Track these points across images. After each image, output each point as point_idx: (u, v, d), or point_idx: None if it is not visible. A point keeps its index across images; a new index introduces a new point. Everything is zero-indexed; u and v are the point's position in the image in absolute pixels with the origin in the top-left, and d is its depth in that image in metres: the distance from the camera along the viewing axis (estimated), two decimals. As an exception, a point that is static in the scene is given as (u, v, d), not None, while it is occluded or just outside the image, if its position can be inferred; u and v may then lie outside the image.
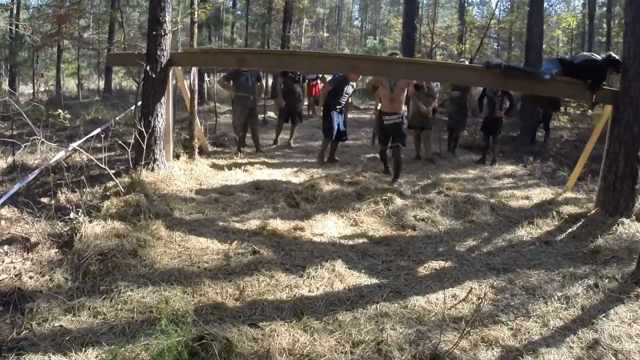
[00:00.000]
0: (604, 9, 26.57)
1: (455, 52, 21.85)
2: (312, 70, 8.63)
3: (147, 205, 5.52)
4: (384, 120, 7.87)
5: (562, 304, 4.29)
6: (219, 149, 9.43)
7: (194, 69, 7.68)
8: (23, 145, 5.78)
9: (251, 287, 4.23)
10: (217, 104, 12.47)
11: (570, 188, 7.78)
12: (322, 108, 9.02)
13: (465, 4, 30.27)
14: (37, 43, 16.43)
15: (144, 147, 6.45)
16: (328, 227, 5.87)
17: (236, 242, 5.13)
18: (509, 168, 9.76)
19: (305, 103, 12.70)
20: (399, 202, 6.66)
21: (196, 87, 7.75)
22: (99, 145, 8.45)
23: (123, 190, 5.84)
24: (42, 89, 21.16)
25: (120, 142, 6.81)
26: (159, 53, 6.77)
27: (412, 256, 5.21)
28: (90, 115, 12.44)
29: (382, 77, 7.28)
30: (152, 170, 6.75)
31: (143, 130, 6.41)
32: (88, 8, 18.34)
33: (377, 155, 9.48)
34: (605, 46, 22.00)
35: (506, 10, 29.41)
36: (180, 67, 7.54)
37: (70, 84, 23.64)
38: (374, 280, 4.57)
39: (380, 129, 8.16)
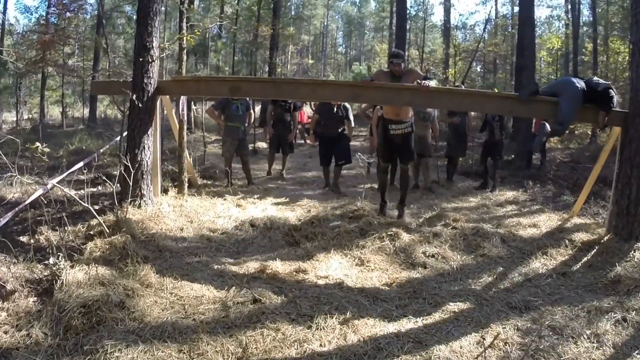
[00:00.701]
0: (585, 28, 26.86)
1: (442, 76, 21.76)
2: (313, 99, 8.27)
3: (134, 247, 5.03)
4: (389, 130, 6.77)
5: (593, 342, 3.93)
6: (209, 182, 8.97)
7: (183, 98, 7.25)
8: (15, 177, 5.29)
9: (255, 343, 3.74)
10: (205, 133, 12.03)
11: (577, 213, 7.55)
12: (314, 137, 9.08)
13: (450, 28, 30.41)
14: (21, 70, 15.98)
15: (130, 183, 5.97)
16: (333, 267, 5.41)
17: (234, 288, 4.65)
18: (509, 194, 9.49)
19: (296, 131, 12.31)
20: (405, 237, 6.22)
21: (185, 118, 7.31)
22: (82, 177, 8.00)
23: (107, 231, 5.34)
24: (25, 116, 20.59)
25: (104, 177, 6.29)
26: (145, 81, 6.34)
27: (427, 298, 4.76)
28: (73, 145, 11.90)
29: (384, 75, 6.54)
30: (139, 207, 6.27)
31: (129, 164, 5.93)
32: (73, 35, 17.90)
33: (375, 186, 9.11)
34: (592, 65, 22.03)
35: (489, 33, 29.53)
36: (168, 96, 7.11)
37: (54, 112, 23.09)
38: (391, 329, 4.10)
39: (384, 141, 6.99)
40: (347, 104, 8.97)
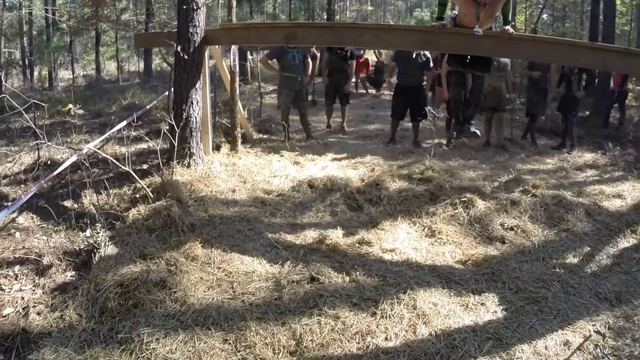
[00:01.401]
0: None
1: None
2: (377, 46, 7.44)
3: (179, 214, 4.56)
4: None
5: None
6: (265, 136, 8.43)
7: (234, 48, 6.62)
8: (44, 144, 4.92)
9: (311, 334, 3.23)
10: (262, 84, 11.39)
11: None
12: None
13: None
14: (74, 28, 15.78)
15: (177, 141, 5.48)
16: (400, 239, 4.80)
17: (289, 262, 4.14)
18: (588, 156, 8.53)
19: (353, 81, 11.41)
20: (480, 204, 5.48)
21: (237, 69, 6.69)
22: (134, 133, 7.66)
23: (152, 196, 4.89)
24: (82, 73, 20.66)
25: (145, 136, 5.85)
26: (191, 30, 5.75)
27: (507, 282, 4.09)
28: (126, 100, 11.60)
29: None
30: (188, 166, 5.81)
31: (174, 122, 5.42)
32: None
33: (443, 141, 8.36)
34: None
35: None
36: (217, 47, 6.51)
37: (111, 67, 23.10)
38: (467, 321, 3.50)
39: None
40: (427, 52, 8.12)
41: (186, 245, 4.20)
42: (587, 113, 11.87)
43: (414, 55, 7.99)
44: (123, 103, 11.30)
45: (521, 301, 3.80)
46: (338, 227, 4.88)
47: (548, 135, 9.95)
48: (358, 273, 4.04)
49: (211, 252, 4.22)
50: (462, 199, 5.52)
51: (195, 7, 5.68)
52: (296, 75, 8.04)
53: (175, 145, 5.42)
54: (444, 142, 8.61)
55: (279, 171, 6.31)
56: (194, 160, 5.90)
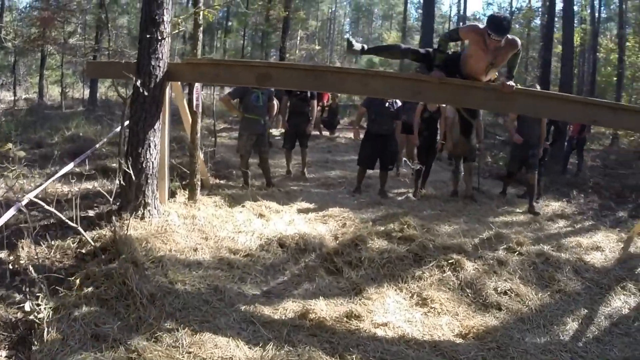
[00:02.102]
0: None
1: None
2: (361, 93, 6.97)
3: (137, 281, 3.79)
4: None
5: None
6: (222, 182, 7.72)
7: (198, 85, 5.98)
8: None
9: None
10: (215, 120, 10.61)
11: (638, 232, 6.50)
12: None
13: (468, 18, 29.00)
14: (19, 47, 14.69)
15: (132, 189, 4.74)
16: (390, 310, 4.25)
17: (272, 344, 3.47)
18: (555, 205, 8.50)
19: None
20: (468, 266, 5.08)
21: (200, 109, 6.03)
22: (78, 170, 6.81)
23: (102, 256, 4.11)
24: (23, 96, 19.25)
25: (95, 177, 5.06)
26: (153, 63, 5.08)
27: (515, 357, 3.71)
28: (70, 131, 10.54)
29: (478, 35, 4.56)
30: (142, 218, 5.05)
31: (129, 169, 4.68)
32: (74, 11, 16.44)
33: (411, 194, 7.98)
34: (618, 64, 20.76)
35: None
36: (179, 83, 5.84)
37: (54, 92, 21.63)
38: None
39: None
40: (398, 101, 7.75)
41: (148, 323, 3.45)
42: (545, 159, 11.93)
43: (387, 103, 7.62)
44: (66, 133, 10.24)
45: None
46: (320, 297, 4.28)
47: (512, 184, 9.81)
48: (354, 356, 3.45)
49: (178, 331, 3.48)
50: (448, 261, 5.11)
51: (159, 38, 5.03)
52: (259, 118, 7.45)
53: (132, 192, 4.67)
54: (411, 192, 8.22)
55: (244, 226, 5.62)
56: (149, 211, 5.14)
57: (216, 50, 16.24)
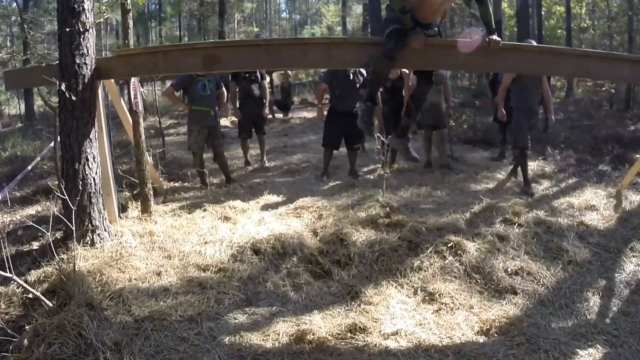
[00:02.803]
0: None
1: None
2: (327, 66, 6.21)
3: (95, 330, 3.10)
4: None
5: None
6: (177, 185, 6.95)
7: (135, 80, 5.19)
8: None
9: None
10: (158, 118, 9.69)
11: (626, 186, 6.49)
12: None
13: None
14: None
15: (73, 212, 3.98)
16: (397, 314, 3.73)
17: (271, 384, 2.85)
18: (532, 164, 8.07)
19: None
20: (470, 247, 4.63)
21: (140, 107, 5.23)
22: (17, 194, 5.98)
23: (50, 304, 3.36)
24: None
25: (35, 199, 4.28)
26: (78, 61, 4.27)
27: (549, 350, 3.32)
28: (7, 152, 9.46)
29: None
30: (92, 244, 4.30)
31: (64, 187, 3.94)
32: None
33: (382, 170, 7.41)
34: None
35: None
36: (112, 80, 5.04)
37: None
38: None
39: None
40: (363, 70, 7.06)
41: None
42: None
43: (351, 75, 6.97)
44: (3, 155, 9.19)
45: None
46: (313, 310, 3.72)
47: (481, 146, 9.62)
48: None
49: (152, 387, 2.82)
50: (447, 244, 4.65)
51: (81, 30, 4.22)
52: (208, 108, 6.68)
53: (70, 218, 3.90)
54: (380, 167, 7.68)
55: (209, 234, 4.90)
56: (99, 235, 4.39)
57: (151, 43, 15.11)
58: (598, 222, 5.46)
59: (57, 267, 3.71)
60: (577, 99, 16.03)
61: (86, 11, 4.33)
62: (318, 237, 4.86)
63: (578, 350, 3.37)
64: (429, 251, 4.52)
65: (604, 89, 13.76)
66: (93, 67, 4.40)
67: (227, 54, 4.37)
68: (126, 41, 4.94)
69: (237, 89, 7.84)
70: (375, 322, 3.56)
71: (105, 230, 4.48)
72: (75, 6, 4.26)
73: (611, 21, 17.48)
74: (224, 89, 7.19)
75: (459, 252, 4.53)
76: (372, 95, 4.36)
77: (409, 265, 4.35)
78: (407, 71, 7.29)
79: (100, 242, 4.37)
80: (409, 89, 7.65)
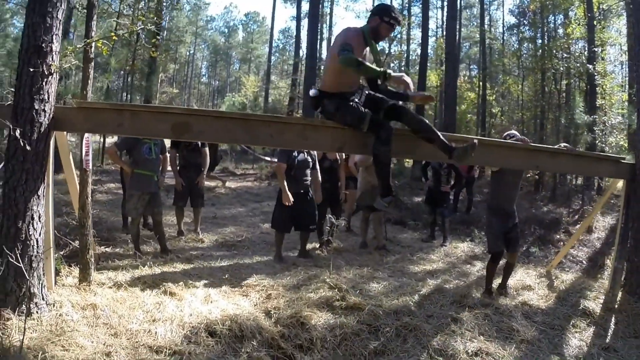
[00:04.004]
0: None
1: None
2: (302, 147, 6.00)
3: None
4: None
5: None
6: (108, 250, 6.40)
7: (88, 136, 4.80)
8: None
9: None
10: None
11: (555, 266, 7.15)
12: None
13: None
14: None
15: (11, 279, 3.49)
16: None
17: None
18: (462, 246, 8.59)
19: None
20: (427, 330, 4.63)
21: (90, 165, 4.82)
22: None
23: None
24: None
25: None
26: (37, 107, 3.89)
27: None
28: None
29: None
30: (29, 314, 3.74)
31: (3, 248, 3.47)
32: None
33: (319, 250, 7.32)
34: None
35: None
36: (65, 133, 4.63)
37: None
38: None
39: None
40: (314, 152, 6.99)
41: None
42: (450, 202, 12.13)
43: (305, 154, 6.82)
44: None
45: None
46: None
47: (410, 227, 9.95)
48: None
49: None
50: (406, 328, 4.60)
51: (45, 72, 3.87)
52: (152, 173, 6.32)
53: (7, 283, 3.42)
54: (317, 246, 7.58)
55: (157, 311, 4.47)
56: (36, 304, 3.85)
57: (95, 90, 14.36)
58: (538, 302, 5.72)
59: (-6, 343, 3.16)
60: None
61: (53, 53, 4.00)
62: (273, 319, 4.60)
63: None
64: (389, 335, 4.43)
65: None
66: (51, 116, 4.02)
67: (199, 124, 4.17)
68: (85, 92, 4.59)
69: (178, 156, 7.51)
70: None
71: (43, 299, 3.95)
72: (43, 45, 3.91)
73: (523, 109, 18.85)
74: (167, 153, 6.87)
75: (418, 335, 4.50)
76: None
77: (372, 350, 4.20)
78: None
79: (37, 312, 3.84)
80: (345, 170, 7.84)
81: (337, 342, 4.25)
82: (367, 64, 3.98)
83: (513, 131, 6.21)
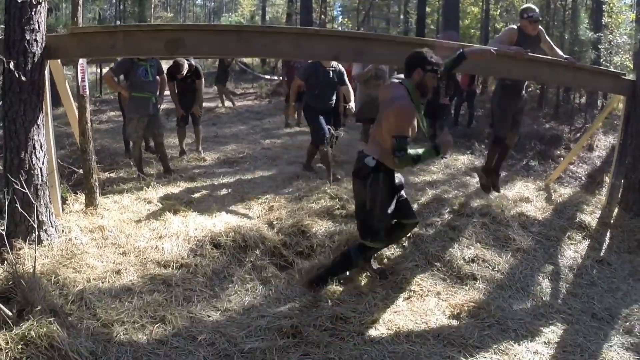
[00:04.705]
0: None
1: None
2: (297, 57, 5.97)
3: (68, 341, 2.83)
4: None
5: None
6: (112, 175, 6.55)
7: (82, 62, 4.78)
8: None
9: None
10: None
11: (553, 181, 7.21)
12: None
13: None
14: None
15: (18, 206, 3.64)
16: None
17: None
18: (462, 158, 8.46)
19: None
20: (426, 237, 4.80)
21: (87, 91, 4.85)
22: None
23: (9, 314, 3.00)
24: None
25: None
26: (28, 37, 3.88)
27: (517, 329, 3.60)
28: None
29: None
30: (39, 242, 3.93)
31: (8, 179, 3.60)
32: None
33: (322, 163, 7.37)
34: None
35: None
36: (59, 61, 4.62)
37: None
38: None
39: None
40: (340, 66, 6.72)
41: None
42: (449, 114, 12.07)
43: (331, 73, 6.51)
44: None
45: (548, 349, 3.45)
46: (287, 303, 3.71)
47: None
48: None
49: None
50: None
51: (34, 2, 3.82)
52: (150, 95, 6.33)
53: (15, 213, 3.58)
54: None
55: (162, 228, 4.65)
56: (46, 231, 4.04)
57: (85, 21, 14.07)
58: (535, 213, 5.78)
59: (10, 270, 3.34)
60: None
61: (40, -18, 3.93)
62: (276, 229, 4.78)
63: (541, 328, 3.65)
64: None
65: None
66: (44, 45, 4.02)
67: (192, 39, 4.15)
68: (75, 18, 4.53)
69: (176, 89, 7.50)
70: (354, 311, 3.56)
71: (52, 226, 4.13)
72: (29, -26, 3.85)
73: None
74: (164, 74, 6.86)
75: (417, 241, 4.67)
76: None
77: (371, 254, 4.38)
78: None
79: (48, 239, 4.03)
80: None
81: (334, 247, 4.46)
82: (423, 153, 3.65)
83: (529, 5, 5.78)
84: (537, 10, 5.51)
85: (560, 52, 5.49)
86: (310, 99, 6.53)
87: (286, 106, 8.97)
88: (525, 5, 5.70)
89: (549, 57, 5.27)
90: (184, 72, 7.16)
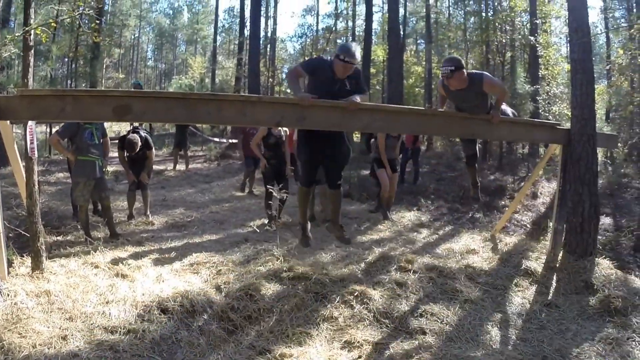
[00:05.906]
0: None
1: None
2: (241, 123, 6.18)
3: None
4: None
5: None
6: (59, 238, 6.49)
7: (31, 124, 4.86)
8: None
9: None
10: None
11: (499, 231, 7.49)
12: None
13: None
14: None
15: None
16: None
17: None
18: (409, 215, 8.90)
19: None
20: (374, 295, 4.95)
21: (36, 153, 4.91)
22: None
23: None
24: None
25: None
26: (-22, 97, 3.99)
27: None
28: None
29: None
30: (-18, 306, 3.91)
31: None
32: None
33: (268, 226, 7.54)
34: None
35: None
36: (8, 122, 4.69)
37: None
38: None
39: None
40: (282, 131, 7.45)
41: None
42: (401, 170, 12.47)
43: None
44: None
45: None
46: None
47: (357, 198, 10.13)
48: None
49: None
50: (353, 294, 4.91)
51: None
52: (96, 158, 6.42)
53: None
54: (266, 222, 7.81)
55: (109, 293, 4.66)
56: (-9, 295, 4.02)
57: (39, 80, 14.05)
58: (482, 264, 6.06)
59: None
60: (437, 152, 17.25)
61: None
62: (224, 293, 4.88)
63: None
64: (336, 302, 4.76)
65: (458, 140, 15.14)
66: (-7, 104, 4.10)
67: (140, 105, 4.28)
68: (26, 80, 4.66)
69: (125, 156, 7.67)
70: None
71: (-3, 288, 4.11)
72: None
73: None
74: (107, 137, 6.97)
75: (365, 300, 4.81)
76: None
77: (320, 316, 4.53)
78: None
79: (-8, 302, 4.00)
80: (289, 145, 7.99)
81: (284, 311, 4.56)
82: None
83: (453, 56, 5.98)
84: (448, 63, 5.35)
85: (504, 106, 5.86)
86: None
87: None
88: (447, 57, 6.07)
89: (486, 115, 5.49)
90: (138, 149, 7.40)
